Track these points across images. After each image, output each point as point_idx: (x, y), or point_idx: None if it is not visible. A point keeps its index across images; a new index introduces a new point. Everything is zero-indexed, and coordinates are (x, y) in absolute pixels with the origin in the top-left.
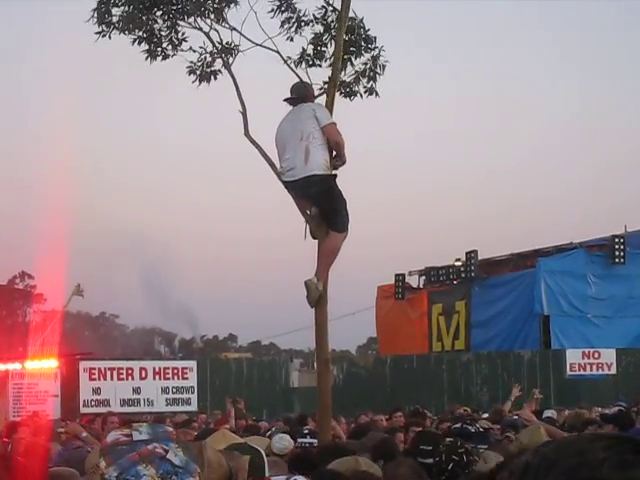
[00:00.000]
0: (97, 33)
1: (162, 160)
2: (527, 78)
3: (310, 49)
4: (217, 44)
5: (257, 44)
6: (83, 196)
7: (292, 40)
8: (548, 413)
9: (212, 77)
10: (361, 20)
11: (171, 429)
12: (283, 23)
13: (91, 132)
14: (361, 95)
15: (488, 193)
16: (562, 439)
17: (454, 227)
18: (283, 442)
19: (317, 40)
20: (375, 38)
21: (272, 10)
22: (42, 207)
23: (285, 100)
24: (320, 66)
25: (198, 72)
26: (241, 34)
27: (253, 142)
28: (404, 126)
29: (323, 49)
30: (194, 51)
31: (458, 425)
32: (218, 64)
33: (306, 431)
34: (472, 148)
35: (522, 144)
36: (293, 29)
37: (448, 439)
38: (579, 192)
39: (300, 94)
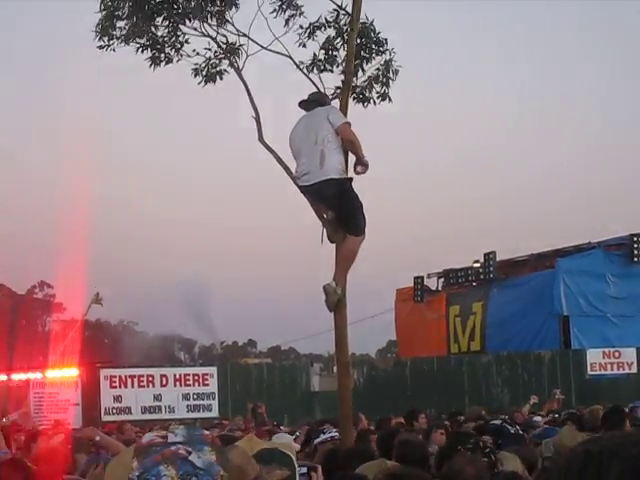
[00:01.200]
0: (100, 47)
1: (181, 178)
2: (554, 84)
3: (322, 54)
4: (222, 44)
5: (264, 47)
6: (101, 205)
7: (305, 46)
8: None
9: (218, 77)
10: (371, 23)
11: (207, 432)
12: (287, 21)
13: (110, 139)
14: (374, 101)
15: (506, 196)
16: (613, 433)
17: (472, 229)
18: (280, 440)
19: (328, 44)
20: (386, 40)
21: (274, 10)
22: (60, 217)
23: (300, 104)
24: (332, 71)
25: (204, 73)
26: (248, 37)
27: (268, 147)
28: (424, 133)
29: (334, 53)
30: (198, 54)
31: (497, 422)
32: (224, 64)
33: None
34: (492, 155)
35: (541, 149)
36: (306, 35)
37: (473, 439)
38: (597, 192)
39: (315, 98)
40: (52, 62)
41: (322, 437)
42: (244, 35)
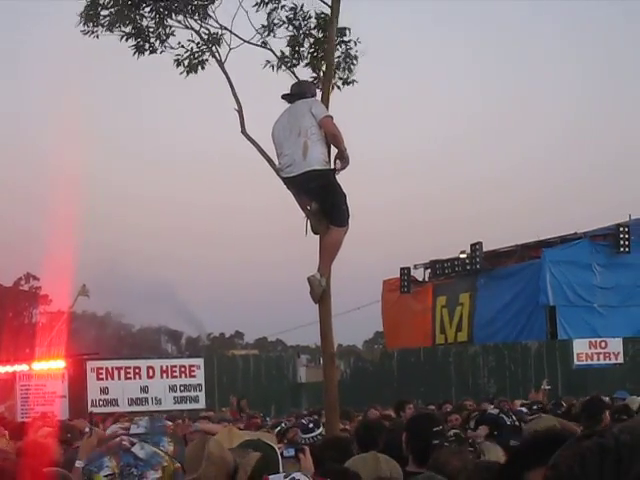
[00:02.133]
0: (84, 32)
1: (161, 161)
2: (533, 74)
3: (287, 51)
4: (204, 35)
5: (246, 41)
6: (86, 197)
7: (265, 45)
8: (562, 403)
9: (200, 67)
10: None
11: (170, 423)
12: (269, 15)
13: (93, 134)
14: (339, 87)
15: (492, 185)
16: (622, 425)
17: (458, 220)
18: None
19: (293, 41)
20: (349, 30)
21: (256, 4)
22: (45, 208)
23: (283, 97)
24: (296, 65)
25: (185, 63)
26: (230, 31)
27: (250, 139)
28: (409, 123)
29: (301, 49)
30: (183, 46)
31: (494, 412)
32: (206, 55)
33: (311, 425)
34: (476, 142)
35: (526, 137)
36: (266, 34)
37: (454, 431)
38: (583, 182)
39: (298, 91)
40: (38, 46)
41: (316, 432)
42: (226, 29)
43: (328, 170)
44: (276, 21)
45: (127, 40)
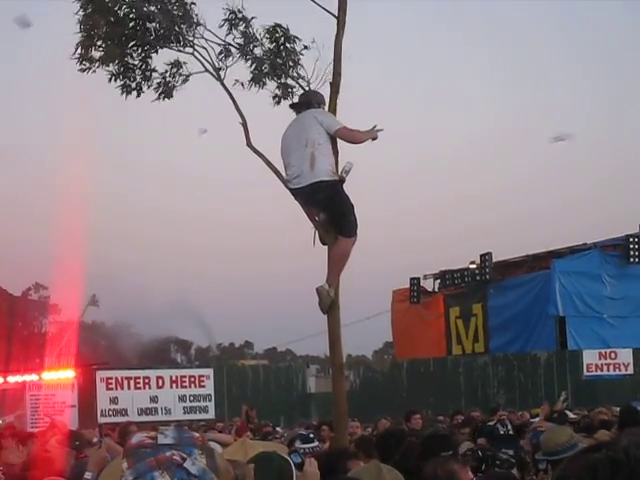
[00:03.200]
0: (81, 70)
1: (174, 176)
2: (541, 85)
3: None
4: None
5: (207, 70)
6: (96, 209)
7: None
8: (567, 413)
9: (173, 90)
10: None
11: (197, 435)
12: (244, 33)
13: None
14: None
15: (501, 196)
16: (628, 438)
17: (468, 230)
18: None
19: (271, 55)
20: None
21: (226, 27)
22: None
23: (291, 106)
24: (265, 83)
25: (161, 89)
26: (227, 43)
27: (256, 152)
28: (418, 135)
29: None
30: (161, 75)
31: (491, 423)
32: (179, 79)
33: (311, 435)
34: (487, 153)
35: (535, 147)
36: (238, 56)
37: (467, 446)
38: (593, 193)
39: (305, 100)
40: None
41: (303, 446)
42: (226, 43)
43: (336, 181)
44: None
45: (115, 80)
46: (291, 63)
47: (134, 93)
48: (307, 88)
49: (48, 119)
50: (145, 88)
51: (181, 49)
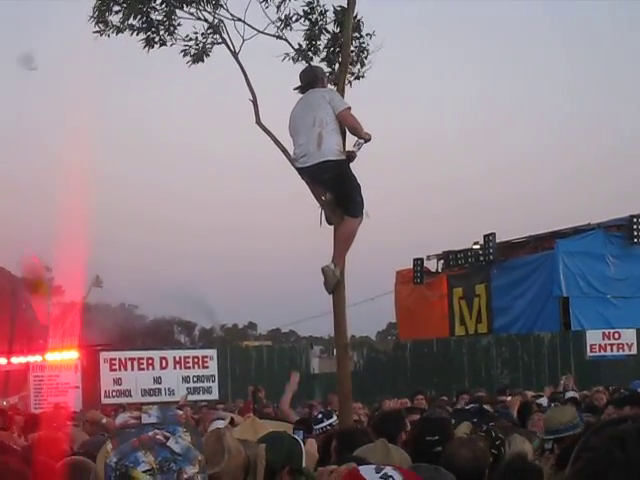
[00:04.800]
0: (95, 32)
1: (177, 155)
2: (535, 65)
3: (304, 44)
4: (216, 26)
5: (260, 31)
6: (100, 190)
7: (281, 37)
8: (570, 394)
9: (205, 55)
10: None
11: (181, 412)
12: (278, 8)
13: (103, 124)
14: (349, 82)
15: (505, 176)
16: None
17: (471, 211)
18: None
19: (310, 35)
20: (363, 23)
21: None
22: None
23: (295, 89)
24: (312, 59)
25: (191, 53)
26: (244, 22)
27: (265, 130)
28: (420, 112)
29: (317, 43)
30: (191, 39)
31: (476, 405)
32: (211, 43)
33: (320, 415)
34: (487, 132)
35: (538, 125)
36: (282, 27)
37: (481, 431)
38: (596, 173)
39: (309, 80)
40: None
41: (325, 422)
42: (239, 20)
43: (342, 160)
44: (292, 14)
45: (137, 34)
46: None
47: (156, 46)
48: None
49: (54, 97)
50: (169, 44)
51: (200, 17)
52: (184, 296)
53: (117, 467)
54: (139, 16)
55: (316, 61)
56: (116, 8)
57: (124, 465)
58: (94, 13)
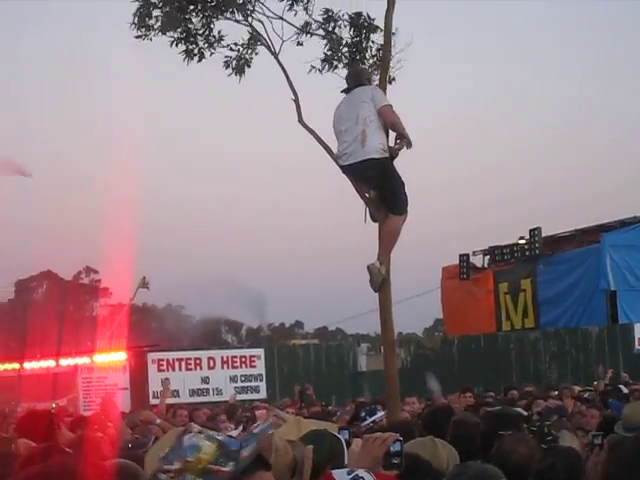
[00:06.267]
0: (137, 37)
1: (222, 159)
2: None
3: (345, 51)
4: (254, 33)
5: (301, 30)
6: (146, 192)
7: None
8: (620, 388)
9: (246, 66)
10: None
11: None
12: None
13: (151, 124)
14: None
15: (550, 168)
16: None
17: (517, 205)
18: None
19: (331, 43)
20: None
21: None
22: (104, 203)
23: (343, 91)
24: (337, 67)
25: (233, 65)
26: (284, 20)
27: (308, 128)
28: (467, 102)
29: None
30: (231, 49)
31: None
32: (253, 52)
33: (363, 414)
34: (534, 125)
35: (593, 126)
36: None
37: (534, 426)
38: None
39: (355, 80)
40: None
41: (369, 420)
42: (280, 18)
43: (386, 158)
44: (313, 22)
45: (177, 46)
46: (368, 57)
47: (196, 59)
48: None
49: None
50: (208, 55)
51: (239, 19)
52: (233, 295)
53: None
54: (177, 26)
55: (340, 69)
56: (156, 12)
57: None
58: (134, 19)
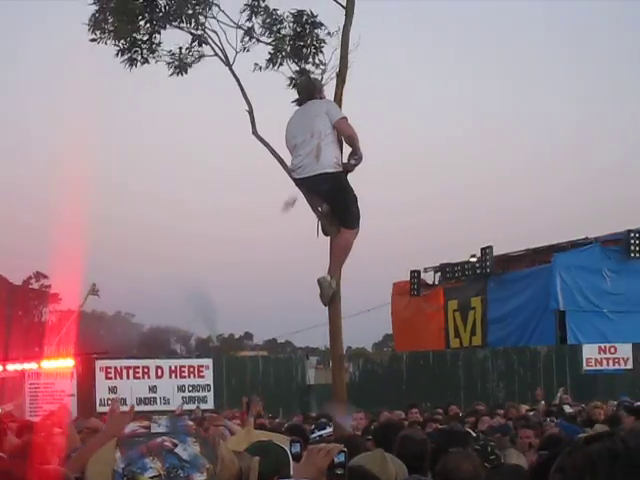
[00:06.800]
0: (92, 40)
1: (176, 163)
2: (537, 76)
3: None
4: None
5: (258, 39)
6: (97, 197)
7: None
8: (566, 408)
9: (187, 67)
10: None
11: (191, 423)
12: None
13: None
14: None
15: (503, 189)
16: (632, 428)
17: (469, 223)
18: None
19: (295, 38)
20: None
21: (244, 10)
22: (54, 208)
23: (294, 102)
24: (282, 64)
25: (175, 64)
26: (240, 27)
27: (262, 140)
28: (418, 124)
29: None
30: (174, 53)
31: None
32: (193, 56)
33: (313, 427)
34: (486, 145)
35: (536, 140)
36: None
37: (478, 444)
38: (593, 187)
39: (307, 92)
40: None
41: (317, 433)
42: (238, 26)
43: (340, 172)
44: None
45: (122, 55)
46: (313, 49)
47: (139, 65)
48: (324, 75)
49: (49, 104)
50: (153, 62)
51: (192, 31)
52: (183, 304)
53: (124, 473)
54: (126, 36)
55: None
56: (111, 19)
57: (131, 471)
58: (90, 21)
